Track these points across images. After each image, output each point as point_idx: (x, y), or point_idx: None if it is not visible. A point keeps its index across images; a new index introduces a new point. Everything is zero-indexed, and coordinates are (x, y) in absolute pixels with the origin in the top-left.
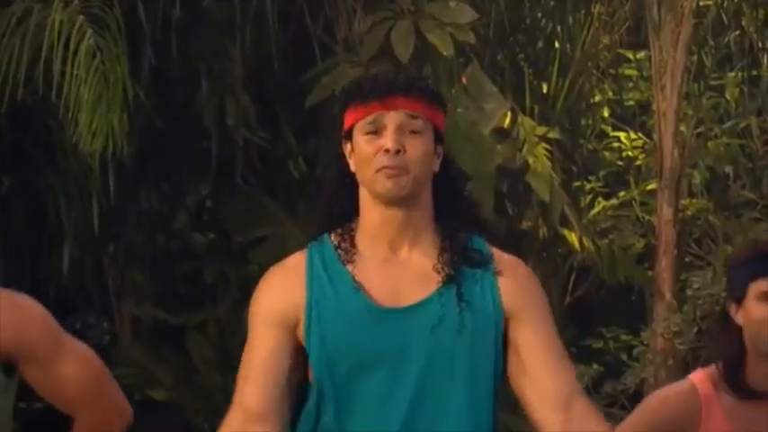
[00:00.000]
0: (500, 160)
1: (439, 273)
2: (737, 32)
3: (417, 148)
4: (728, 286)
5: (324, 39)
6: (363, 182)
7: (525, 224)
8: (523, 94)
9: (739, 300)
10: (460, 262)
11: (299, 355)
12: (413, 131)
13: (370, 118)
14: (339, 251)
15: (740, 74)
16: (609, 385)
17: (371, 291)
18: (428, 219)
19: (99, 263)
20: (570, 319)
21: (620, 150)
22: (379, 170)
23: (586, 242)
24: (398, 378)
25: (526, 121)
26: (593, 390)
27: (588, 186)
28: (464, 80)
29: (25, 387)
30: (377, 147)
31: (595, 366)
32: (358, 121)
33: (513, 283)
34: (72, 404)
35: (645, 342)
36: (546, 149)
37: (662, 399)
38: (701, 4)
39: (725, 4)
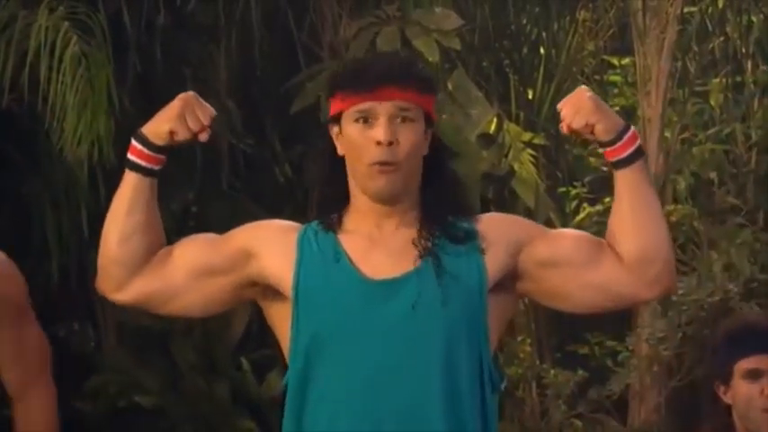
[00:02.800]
0: (486, 166)
1: (418, 246)
2: (722, 39)
3: (409, 138)
4: (713, 366)
5: (309, 44)
6: (354, 173)
7: None
8: (509, 100)
9: (726, 380)
10: (443, 236)
11: (233, 295)
12: (404, 120)
13: (361, 106)
14: (328, 226)
15: (724, 80)
16: (594, 391)
17: (357, 262)
18: (415, 197)
19: (83, 269)
20: (555, 325)
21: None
22: (372, 164)
23: None
24: (374, 352)
25: (512, 127)
26: (578, 395)
27: (573, 192)
28: (450, 86)
29: None
30: (368, 137)
31: (580, 372)
32: (348, 108)
33: (498, 246)
34: (26, 373)
35: (630, 348)
36: (531, 155)
37: None
38: (686, 10)
39: (709, 10)
